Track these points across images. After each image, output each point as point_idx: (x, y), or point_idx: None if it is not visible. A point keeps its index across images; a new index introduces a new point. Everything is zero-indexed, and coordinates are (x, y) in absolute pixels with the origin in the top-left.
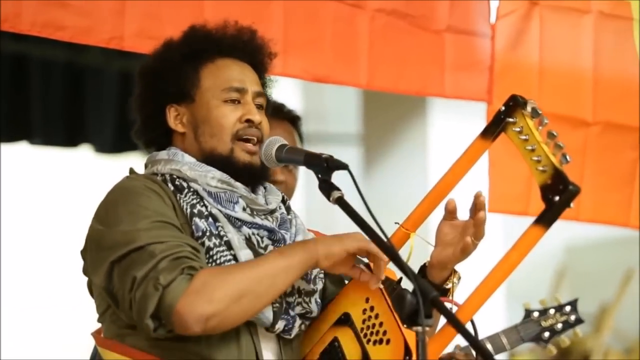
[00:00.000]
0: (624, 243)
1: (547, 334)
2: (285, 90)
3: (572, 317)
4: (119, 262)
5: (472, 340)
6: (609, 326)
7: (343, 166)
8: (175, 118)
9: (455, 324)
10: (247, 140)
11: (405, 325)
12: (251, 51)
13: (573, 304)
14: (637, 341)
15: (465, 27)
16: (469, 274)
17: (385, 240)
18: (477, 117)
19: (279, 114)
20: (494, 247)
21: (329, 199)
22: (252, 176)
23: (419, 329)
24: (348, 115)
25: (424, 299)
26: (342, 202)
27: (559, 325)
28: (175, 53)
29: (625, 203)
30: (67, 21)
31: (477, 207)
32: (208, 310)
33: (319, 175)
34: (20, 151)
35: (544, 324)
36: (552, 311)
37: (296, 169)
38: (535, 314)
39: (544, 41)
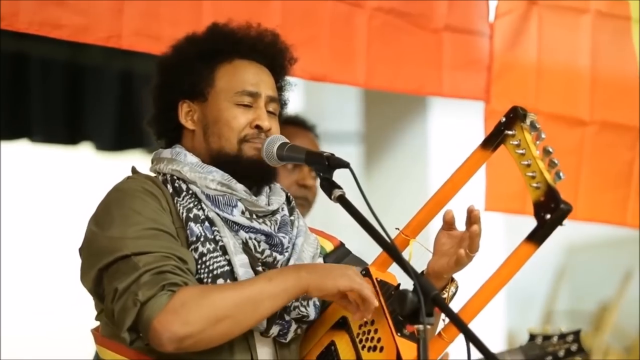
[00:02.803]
0: (624, 243)
1: (549, 359)
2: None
3: (574, 347)
4: (107, 270)
5: (474, 340)
6: (609, 325)
7: (344, 164)
8: (186, 114)
9: (457, 322)
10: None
11: (403, 332)
12: (271, 54)
13: (576, 334)
14: (637, 340)
15: (463, 26)
16: (469, 275)
17: (387, 238)
18: (476, 116)
19: (302, 125)
20: (496, 247)
21: (330, 197)
22: (260, 172)
23: (420, 327)
24: (348, 113)
25: (425, 297)
26: (343, 201)
27: (562, 353)
28: (193, 49)
29: (622, 202)
30: (64, 20)
31: (471, 220)
32: (183, 331)
33: (321, 174)
34: (20, 149)
35: (547, 349)
36: (555, 339)
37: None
38: (539, 339)
39: (542, 40)
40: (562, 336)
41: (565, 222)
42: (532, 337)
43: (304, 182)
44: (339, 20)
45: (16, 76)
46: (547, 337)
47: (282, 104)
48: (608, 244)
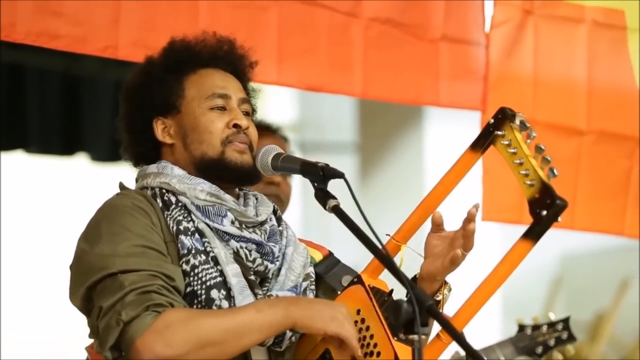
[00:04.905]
0: (620, 252)
1: (540, 349)
2: (282, 99)
3: (564, 335)
4: (94, 288)
5: (468, 348)
6: (606, 335)
7: (339, 175)
8: (162, 130)
9: (452, 331)
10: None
11: (399, 336)
12: (232, 60)
13: (565, 321)
14: (635, 350)
15: (459, 36)
16: (465, 283)
17: (381, 248)
18: (473, 126)
19: (271, 130)
20: (491, 256)
21: (325, 208)
22: (246, 175)
23: (415, 337)
24: (344, 123)
25: (420, 307)
26: (338, 211)
27: (552, 341)
28: (157, 67)
29: (620, 212)
30: (62, 30)
31: (468, 218)
32: (165, 353)
33: (315, 184)
34: (16, 160)
35: (537, 338)
36: (544, 328)
37: (290, 177)
38: (529, 330)
39: (538, 50)
40: (552, 325)
41: (562, 231)
42: (522, 327)
43: (270, 179)
44: (336, 31)
45: (12, 87)
46: (536, 327)
47: (252, 109)
48: (604, 253)
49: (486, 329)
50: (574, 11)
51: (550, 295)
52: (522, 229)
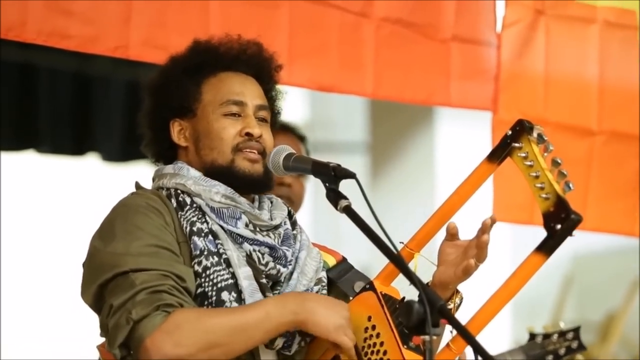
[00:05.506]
0: (631, 252)
1: (550, 357)
2: (293, 99)
3: (575, 344)
4: (106, 286)
5: (481, 350)
6: (617, 335)
7: (350, 175)
8: (178, 132)
9: (464, 333)
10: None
11: (409, 344)
12: (255, 64)
13: (576, 330)
14: None
15: (471, 36)
16: (475, 284)
17: (392, 249)
18: (483, 126)
19: (287, 130)
20: (502, 256)
21: (336, 208)
22: (255, 185)
23: (427, 338)
24: (355, 123)
25: (431, 308)
26: (349, 211)
27: (562, 350)
28: (178, 68)
29: (631, 212)
30: (72, 30)
31: (482, 229)
32: (174, 352)
33: (327, 184)
34: (27, 160)
35: (547, 347)
36: (555, 336)
37: (304, 177)
38: (539, 338)
39: (549, 50)
40: (562, 334)
41: (574, 232)
42: (532, 336)
43: (281, 180)
44: (347, 31)
45: (23, 87)
46: (547, 336)
47: (274, 112)
48: (615, 253)
49: (496, 329)
50: (586, 11)
51: (561, 295)
52: (533, 229)
